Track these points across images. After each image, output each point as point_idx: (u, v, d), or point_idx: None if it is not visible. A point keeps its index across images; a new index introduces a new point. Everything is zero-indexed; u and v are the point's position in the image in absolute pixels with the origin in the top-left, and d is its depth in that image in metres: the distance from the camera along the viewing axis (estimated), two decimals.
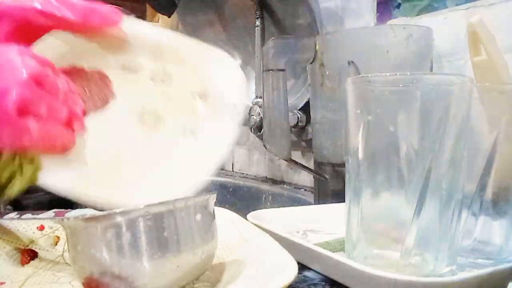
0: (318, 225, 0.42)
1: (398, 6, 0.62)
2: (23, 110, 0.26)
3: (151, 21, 1.25)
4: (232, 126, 0.33)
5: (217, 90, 0.36)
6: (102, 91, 0.36)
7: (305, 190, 0.76)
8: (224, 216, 0.35)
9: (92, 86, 0.35)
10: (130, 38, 0.39)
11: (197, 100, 0.37)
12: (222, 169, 1.02)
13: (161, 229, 0.25)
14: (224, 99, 0.35)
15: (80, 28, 0.35)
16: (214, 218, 0.28)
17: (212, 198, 0.28)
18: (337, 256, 0.29)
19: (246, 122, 0.76)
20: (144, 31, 0.40)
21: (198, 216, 0.27)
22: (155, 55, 0.39)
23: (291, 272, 0.24)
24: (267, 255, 0.28)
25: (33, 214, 0.32)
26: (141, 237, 0.24)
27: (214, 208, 0.29)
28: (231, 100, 0.35)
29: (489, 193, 0.33)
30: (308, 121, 0.74)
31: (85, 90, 0.35)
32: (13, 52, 0.27)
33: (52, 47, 0.35)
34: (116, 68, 0.38)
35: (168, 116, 0.36)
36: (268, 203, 0.79)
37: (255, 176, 0.93)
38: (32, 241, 0.35)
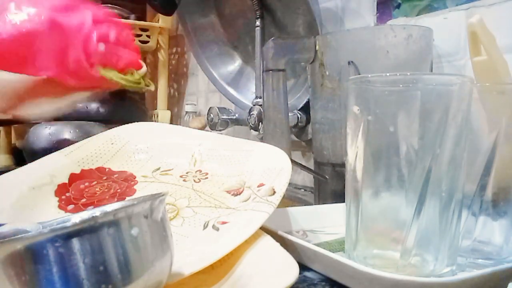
0: (318, 225, 0.42)
1: (398, 6, 0.62)
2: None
3: (151, 21, 1.25)
4: (261, 217, 0.31)
5: (255, 183, 0.37)
6: (122, 189, 0.41)
7: (305, 190, 0.76)
8: None
9: (113, 184, 0.41)
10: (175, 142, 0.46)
11: (229, 196, 0.37)
12: None
13: (78, 256, 0.19)
14: (261, 192, 0.35)
15: None
16: (165, 226, 0.24)
17: (158, 201, 0.23)
18: (337, 256, 0.29)
19: (246, 122, 0.76)
20: (187, 134, 0.46)
21: (135, 231, 0.21)
22: (194, 158, 0.44)
23: (292, 274, 0.24)
24: (268, 257, 0.28)
25: None
26: (52, 270, 0.19)
27: (164, 213, 0.24)
28: (267, 191, 0.34)
29: (489, 193, 0.33)
30: (308, 121, 0.74)
31: (104, 186, 0.41)
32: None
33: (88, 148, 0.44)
34: (150, 170, 0.43)
35: (188, 209, 0.37)
36: None
37: None
38: None
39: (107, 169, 0.43)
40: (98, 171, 0.43)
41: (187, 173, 0.42)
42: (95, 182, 0.41)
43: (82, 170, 0.42)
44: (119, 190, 0.40)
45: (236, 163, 0.41)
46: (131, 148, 0.45)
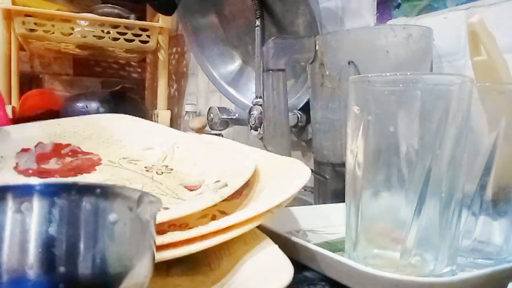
0: (318, 225, 0.42)
1: (398, 6, 0.62)
2: None
3: (151, 21, 1.24)
4: (203, 202, 0.30)
5: (212, 180, 0.37)
6: (82, 165, 0.41)
7: (305, 190, 0.76)
8: None
9: (76, 161, 0.42)
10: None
11: (185, 190, 0.38)
12: None
13: (47, 221, 0.17)
14: (213, 186, 0.35)
15: None
16: (149, 231, 0.20)
17: (149, 201, 0.20)
18: (337, 256, 0.29)
19: (246, 122, 0.76)
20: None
21: (113, 217, 0.18)
22: (165, 154, 0.44)
23: (285, 279, 0.24)
24: (264, 260, 0.28)
25: None
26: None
27: (152, 219, 0.20)
28: (220, 186, 0.34)
29: (489, 193, 0.33)
30: (308, 121, 0.74)
31: (64, 159, 0.42)
32: None
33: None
34: (118, 157, 0.44)
35: None
36: None
37: None
38: None
39: (77, 148, 0.44)
40: (67, 147, 0.44)
41: (152, 165, 0.43)
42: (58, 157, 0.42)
43: (53, 143, 0.43)
44: (79, 163, 0.41)
45: (203, 166, 0.41)
46: (106, 135, 0.46)
